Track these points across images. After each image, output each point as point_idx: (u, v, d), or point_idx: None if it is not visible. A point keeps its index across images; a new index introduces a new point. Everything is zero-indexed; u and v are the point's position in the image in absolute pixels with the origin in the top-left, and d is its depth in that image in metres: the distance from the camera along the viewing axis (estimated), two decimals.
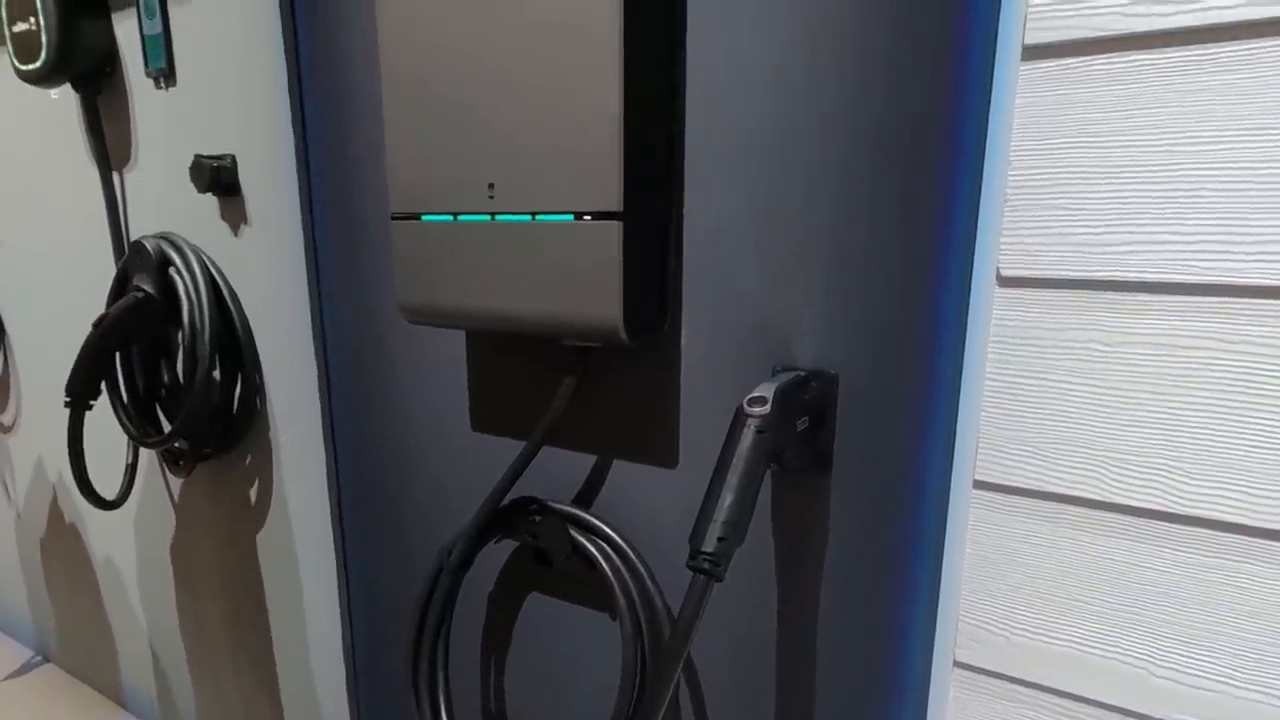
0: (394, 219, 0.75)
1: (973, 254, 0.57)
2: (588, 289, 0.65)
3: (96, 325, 1.02)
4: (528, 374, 0.84)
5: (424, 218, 0.73)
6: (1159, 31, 0.47)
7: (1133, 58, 0.48)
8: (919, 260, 0.60)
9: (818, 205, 0.63)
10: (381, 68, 0.73)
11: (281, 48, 0.94)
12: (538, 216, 0.66)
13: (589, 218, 0.64)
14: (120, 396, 1.14)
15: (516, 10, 0.64)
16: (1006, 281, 0.55)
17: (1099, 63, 0.49)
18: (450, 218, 0.72)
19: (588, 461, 0.82)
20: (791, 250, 0.65)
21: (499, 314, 0.71)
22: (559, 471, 0.84)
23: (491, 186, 0.68)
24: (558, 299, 0.67)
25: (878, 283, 0.62)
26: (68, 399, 1.02)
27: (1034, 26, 0.51)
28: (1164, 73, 0.48)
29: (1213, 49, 0.46)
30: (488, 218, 0.69)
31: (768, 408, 0.57)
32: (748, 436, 0.56)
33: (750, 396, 0.58)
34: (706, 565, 0.51)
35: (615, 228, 0.63)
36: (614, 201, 0.62)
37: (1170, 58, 0.47)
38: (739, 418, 0.58)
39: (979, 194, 0.56)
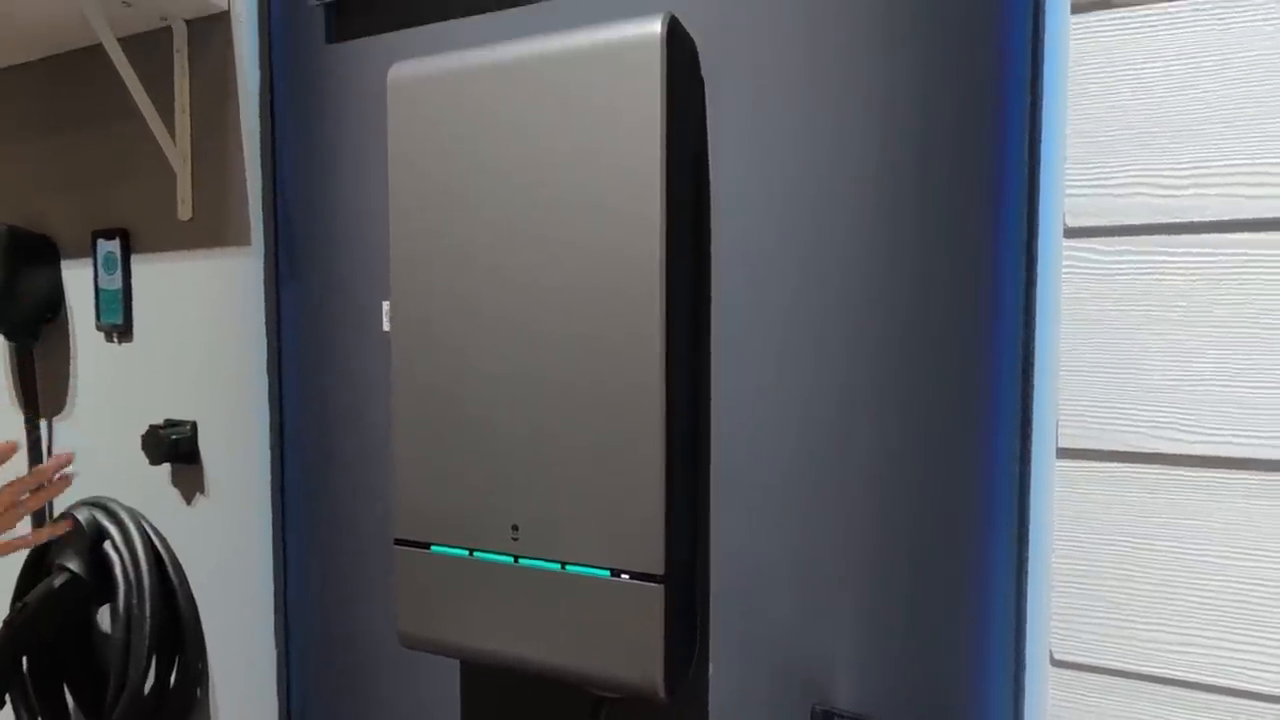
0: (398, 544, 0.70)
1: (1024, 633, 0.57)
2: (623, 647, 0.62)
3: (9, 622, 0.88)
4: (537, 698, 0.77)
5: (435, 549, 0.69)
6: (1185, 455, 0.51)
7: (1163, 471, 0.52)
8: (963, 616, 0.60)
9: (853, 543, 0.63)
10: (394, 379, 0.70)
11: (263, 319, 0.90)
12: (568, 567, 0.63)
13: (627, 576, 0.61)
14: (24, 687, 0.98)
15: (556, 344, 0.63)
16: (1060, 664, 0.55)
17: (1131, 470, 0.53)
18: (465, 553, 0.67)
19: None
20: (826, 585, 0.64)
21: (516, 659, 0.66)
22: None
23: (516, 529, 0.65)
24: (588, 653, 0.63)
25: (920, 630, 0.61)
26: None
27: (1065, 432, 0.54)
28: (1197, 488, 0.51)
29: (1239, 475, 0.50)
30: (510, 559, 0.65)
31: None
32: None
33: None
34: None
35: (658, 591, 0.60)
36: (657, 565, 0.60)
37: (1200, 476, 0.51)
38: None
39: (1024, 578, 0.57)
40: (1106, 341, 0.53)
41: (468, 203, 0.67)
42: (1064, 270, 0.54)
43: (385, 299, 0.84)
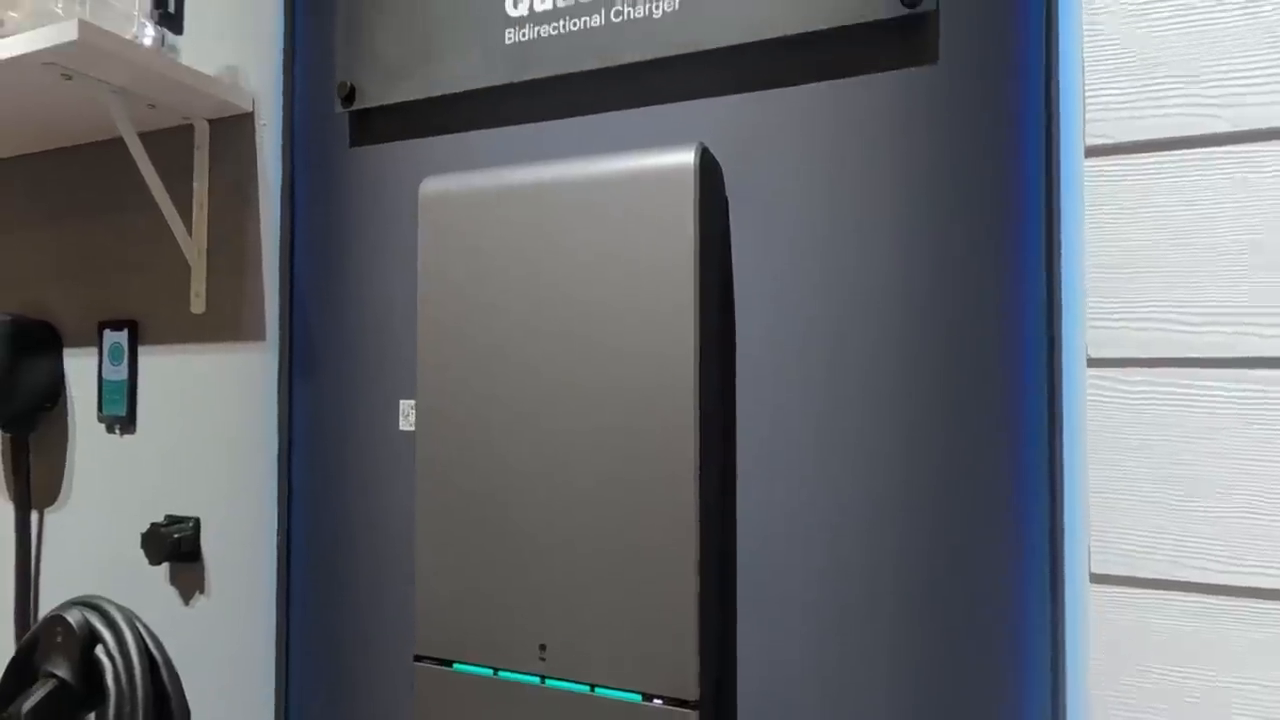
0: (418, 660, 0.69)
1: None
2: None
3: None
4: None
5: (457, 667, 0.67)
6: (1216, 585, 0.52)
7: (1196, 599, 0.53)
8: None
9: (885, 663, 0.63)
10: (418, 488, 0.70)
11: (274, 414, 0.89)
12: (598, 690, 0.62)
13: (659, 701, 0.60)
14: None
15: (587, 459, 0.63)
16: None
17: (1164, 597, 0.54)
18: (490, 672, 0.66)
19: None
20: (857, 705, 0.63)
21: None
22: None
23: (543, 648, 0.64)
24: None
25: None
26: None
27: (1098, 558, 0.55)
28: (1229, 617, 0.52)
29: (1272, 605, 0.51)
30: (536, 680, 0.64)
31: None
32: None
33: None
34: None
35: (692, 718, 0.59)
36: (691, 690, 0.59)
37: (1232, 605, 0.52)
38: None
39: (1061, 705, 0.57)
40: (1135, 469, 0.55)
41: (497, 317, 0.67)
42: (1089, 399, 0.56)
43: (403, 397, 0.84)
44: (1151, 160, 0.55)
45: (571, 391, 0.64)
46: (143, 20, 0.82)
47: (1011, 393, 0.60)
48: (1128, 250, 0.56)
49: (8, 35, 0.75)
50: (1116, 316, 0.56)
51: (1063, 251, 0.59)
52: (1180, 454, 0.54)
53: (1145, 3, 0.56)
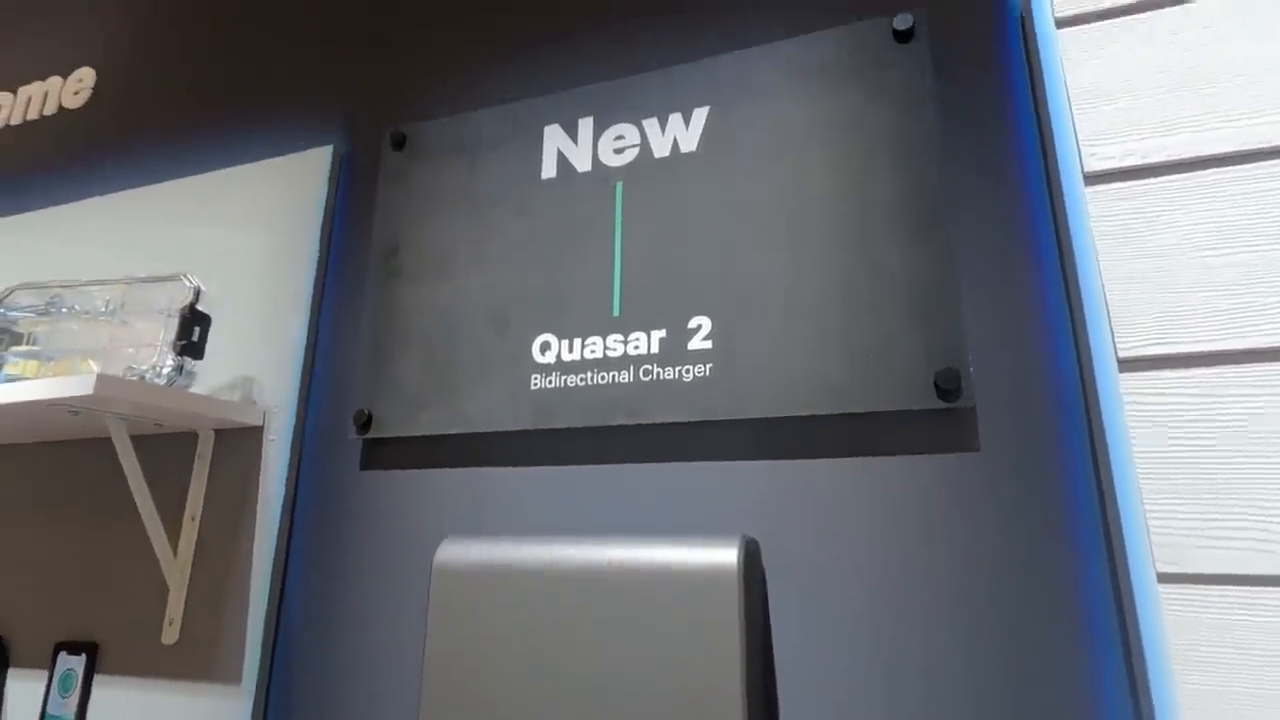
0: None
1: None
2: None
3: None
4: None
5: None
6: None
7: None
8: None
9: None
10: None
11: None
12: None
13: None
14: None
15: None
16: None
17: None
18: None
19: None
20: None
21: None
22: None
23: None
24: None
25: None
26: None
27: None
28: None
29: None
30: None
31: None
32: None
33: None
34: None
35: None
36: None
37: None
38: None
39: None
40: None
41: (510, 701, 0.60)
42: None
43: None
44: (1221, 591, 0.52)
45: None
46: (164, 349, 0.81)
47: None
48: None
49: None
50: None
51: (1150, 681, 0.54)
52: None
53: (1190, 420, 0.55)
